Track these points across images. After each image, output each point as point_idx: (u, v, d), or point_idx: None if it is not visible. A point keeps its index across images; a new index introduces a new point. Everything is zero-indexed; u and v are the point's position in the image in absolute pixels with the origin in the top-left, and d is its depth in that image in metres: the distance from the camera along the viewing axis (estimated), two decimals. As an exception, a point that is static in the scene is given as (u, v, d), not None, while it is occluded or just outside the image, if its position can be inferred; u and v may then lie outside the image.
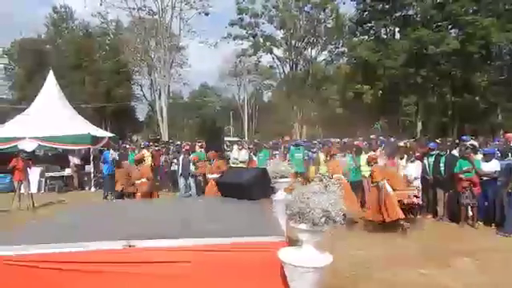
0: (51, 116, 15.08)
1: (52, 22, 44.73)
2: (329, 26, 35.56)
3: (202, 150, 12.24)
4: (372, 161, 8.01)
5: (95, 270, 2.72)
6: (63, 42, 43.39)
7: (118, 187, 9.71)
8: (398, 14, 29.91)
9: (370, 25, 31.32)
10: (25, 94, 35.68)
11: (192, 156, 11.25)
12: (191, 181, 11.55)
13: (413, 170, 8.43)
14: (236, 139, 22.61)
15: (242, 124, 47.01)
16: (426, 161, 8.66)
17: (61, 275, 2.70)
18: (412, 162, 8.62)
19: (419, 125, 28.78)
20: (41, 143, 14.00)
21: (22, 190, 11.01)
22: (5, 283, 2.69)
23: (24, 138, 13.71)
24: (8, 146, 13.53)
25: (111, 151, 12.89)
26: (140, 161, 8.67)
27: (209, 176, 8.79)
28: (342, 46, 35.59)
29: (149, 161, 11.88)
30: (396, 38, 30.36)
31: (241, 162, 11.41)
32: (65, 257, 2.74)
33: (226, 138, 15.28)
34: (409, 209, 7.52)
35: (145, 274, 2.73)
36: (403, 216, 7.06)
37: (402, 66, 26.84)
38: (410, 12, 29.49)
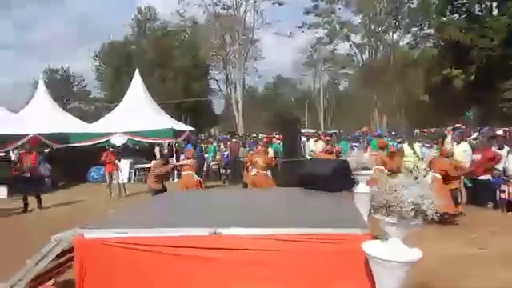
0: (138, 112, 16.21)
1: (137, 23, 47.85)
2: (413, 6, 33.15)
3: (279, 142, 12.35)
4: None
5: (184, 254, 2.88)
6: (147, 42, 46.23)
7: None
8: (496, -13, 26.96)
9: (461, 2, 28.48)
10: (114, 92, 38.64)
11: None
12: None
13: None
14: (312, 131, 22.38)
15: (317, 115, 46.30)
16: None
17: (152, 257, 2.92)
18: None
19: (522, 111, 25.84)
20: (129, 137, 15.11)
21: (114, 181, 12.13)
22: (103, 262, 2.99)
23: (115, 133, 14.89)
24: (102, 140, 14.81)
25: None
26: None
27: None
28: (429, 27, 32.88)
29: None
30: (493, 15, 27.26)
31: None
32: (156, 241, 2.94)
33: (302, 130, 15.19)
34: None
35: (230, 260, 2.82)
36: None
37: (501, 45, 24.09)
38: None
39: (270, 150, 10.83)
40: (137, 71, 18.54)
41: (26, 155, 10.54)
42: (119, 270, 2.97)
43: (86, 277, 2.98)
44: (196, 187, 8.39)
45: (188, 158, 9.16)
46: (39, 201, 10.31)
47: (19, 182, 10.77)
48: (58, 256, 3.39)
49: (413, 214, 2.33)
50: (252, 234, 2.88)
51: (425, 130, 14.01)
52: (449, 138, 10.70)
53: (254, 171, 8.84)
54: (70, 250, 3.29)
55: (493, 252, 5.59)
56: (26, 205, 10.14)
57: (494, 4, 27.71)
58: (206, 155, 14.38)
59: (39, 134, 13.44)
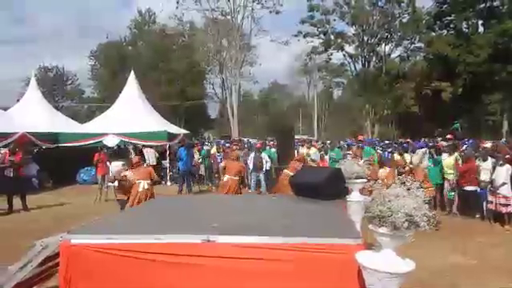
0: (132, 113, 16.07)
1: (135, 25, 47.68)
2: (404, 20, 33.82)
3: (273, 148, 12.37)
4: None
5: (174, 262, 2.82)
6: (144, 43, 46.03)
7: None
8: (481, 6, 27.77)
9: (449, 18, 29.47)
10: (109, 92, 38.25)
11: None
12: (262, 177, 11.63)
13: (502, 174, 7.69)
14: (305, 137, 22.48)
15: (311, 122, 46.51)
16: (515, 164, 7.87)
17: (142, 265, 2.84)
18: (501, 165, 7.83)
19: (505, 124, 26.41)
20: (122, 139, 14.95)
21: (105, 183, 11.90)
22: (90, 270, 2.89)
23: (108, 133, 14.72)
24: (94, 141, 14.58)
25: None
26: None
27: None
28: (419, 41, 33.56)
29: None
30: (479, 32, 28.09)
31: (311, 160, 11.26)
32: (146, 248, 2.86)
33: (295, 136, 15.19)
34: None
35: (222, 268, 2.78)
36: None
37: (486, 61, 24.79)
38: (496, 3, 27.25)
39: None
40: (132, 72, 18.42)
41: (10, 155, 10.10)
42: (107, 278, 2.87)
43: (72, 285, 2.87)
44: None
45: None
46: (24, 202, 10.02)
47: (3, 181, 10.05)
48: (42, 262, 3.23)
49: (406, 225, 2.33)
50: (243, 243, 2.84)
51: (402, 140, 14.16)
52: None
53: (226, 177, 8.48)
54: (55, 256, 3.16)
55: (481, 262, 5.63)
56: (10, 206, 9.79)
57: (480, 22, 28.54)
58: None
59: (28, 133, 13.18)
